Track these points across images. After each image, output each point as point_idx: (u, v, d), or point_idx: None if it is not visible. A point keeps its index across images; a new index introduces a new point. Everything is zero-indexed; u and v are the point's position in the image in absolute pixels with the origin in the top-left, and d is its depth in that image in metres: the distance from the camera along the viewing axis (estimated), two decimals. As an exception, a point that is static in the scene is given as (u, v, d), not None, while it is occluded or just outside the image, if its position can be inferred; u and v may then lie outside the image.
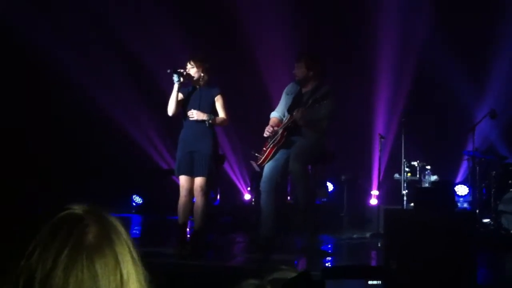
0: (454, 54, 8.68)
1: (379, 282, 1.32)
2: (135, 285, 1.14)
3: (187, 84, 5.92)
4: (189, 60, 5.90)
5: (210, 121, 5.81)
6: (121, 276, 1.11)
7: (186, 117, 5.91)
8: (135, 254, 1.17)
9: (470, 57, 8.77)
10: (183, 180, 5.88)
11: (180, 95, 5.90)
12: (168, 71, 5.75)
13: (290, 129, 5.96)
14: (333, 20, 9.26)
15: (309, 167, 6.09)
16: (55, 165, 9.07)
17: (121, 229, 1.18)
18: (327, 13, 9.25)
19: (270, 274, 1.56)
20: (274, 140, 6.00)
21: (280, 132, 5.99)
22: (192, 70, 5.87)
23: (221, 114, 5.93)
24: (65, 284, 1.05)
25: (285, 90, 6.30)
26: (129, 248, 1.16)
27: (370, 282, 1.32)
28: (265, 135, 6.08)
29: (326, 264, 5.44)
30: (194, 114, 5.81)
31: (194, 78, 5.88)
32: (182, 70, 5.81)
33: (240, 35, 9.32)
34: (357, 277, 1.33)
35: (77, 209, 1.15)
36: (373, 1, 9.14)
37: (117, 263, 1.11)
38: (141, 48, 9.44)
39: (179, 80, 5.75)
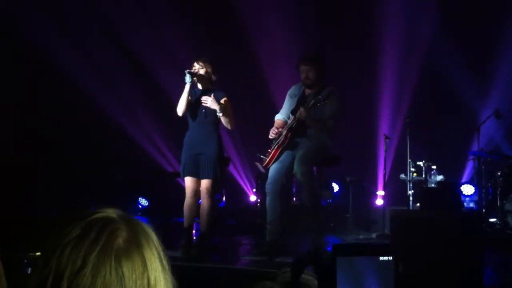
0: (459, 54, 8.66)
1: (390, 258, 1.33)
2: None
3: (194, 86, 5.95)
4: (197, 61, 5.92)
5: (221, 112, 5.80)
6: (149, 281, 1.13)
7: (192, 119, 5.92)
8: (165, 262, 1.19)
9: (475, 57, 8.75)
10: (188, 181, 5.89)
11: (189, 97, 5.91)
12: (186, 71, 5.76)
13: (294, 130, 5.96)
14: (337, 20, 9.25)
15: (314, 168, 6.08)
16: (62, 168, 9.09)
17: (153, 236, 1.20)
18: (331, 14, 9.25)
19: (282, 276, 1.56)
20: (278, 142, 6.00)
21: (284, 133, 5.99)
22: (201, 70, 5.90)
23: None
24: (92, 284, 1.07)
25: (288, 93, 6.30)
26: (159, 255, 1.18)
27: (381, 258, 1.33)
28: (270, 137, 6.08)
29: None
30: (208, 101, 5.80)
31: (204, 79, 5.91)
32: (194, 71, 5.84)
33: (244, 37, 9.33)
34: (368, 254, 1.34)
35: (110, 212, 1.19)
36: (378, 1, 9.12)
37: (145, 268, 1.13)
38: (145, 49, 9.45)
39: (191, 81, 5.78)
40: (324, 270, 1.27)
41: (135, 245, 1.14)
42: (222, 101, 5.89)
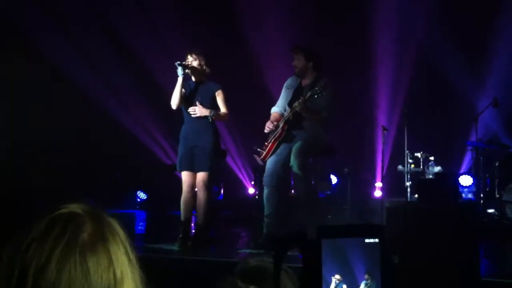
0: (455, 44, 8.63)
1: (376, 240, 1.32)
2: (129, 285, 1.15)
3: (188, 79, 5.94)
4: (190, 53, 5.91)
5: (213, 117, 5.83)
6: (114, 275, 1.13)
7: (187, 112, 5.91)
8: (132, 255, 1.19)
9: (472, 47, 8.72)
10: (185, 175, 5.90)
11: (182, 90, 5.90)
12: (177, 63, 5.75)
13: (291, 123, 5.95)
14: (332, 11, 9.22)
15: (311, 160, 6.08)
16: (60, 162, 9.08)
17: (119, 230, 1.20)
18: (327, 5, 9.22)
19: (238, 266, 1.56)
20: (275, 135, 5.99)
21: (281, 126, 5.98)
22: (194, 62, 5.89)
23: (222, 109, 5.96)
24: (58, 279, 1.07)
25: (285, 84, 6.29)
26: (125, 249, 1.18)
27: (367, 241, 1.32)
28: (266, 130, 6.07)
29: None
30: (197, 110, 5.82)
31: (197, 71, 5.90)
32: (186, 63, 5.83)
33: (240, 29, 9.30)
34: (354, 236, 1.33)
35: (76, 207, 1.18)
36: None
37: (110, 262, 1.13)
38: (142, 45, 9.44)
39: (183, 73, 5.77)
40: (308, 253, 1.26)
41: (100, 240, 1.13)
42: (217, 92, 5.90)
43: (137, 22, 9.41)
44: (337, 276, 1.28)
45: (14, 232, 1.12)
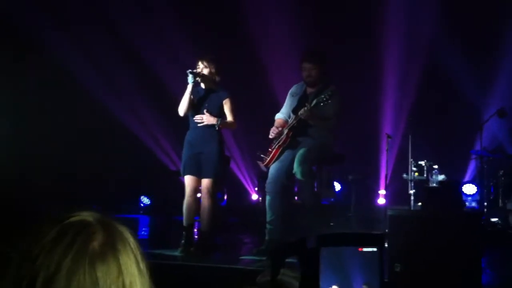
0: (461, 53, 8.63)
1: (375, 249, 1.32)
2: None
3: (197, 85, 5.92)
4: (201, 60, 5.90)
5: (220, 125, 5.82)
6: (124, 285, 1.13)
7: (194, 118, 5.91)
8: (142, 265, 1.18)
9: (478, 56, 8.71)
10: (188, 179, 5.89)
11: (191, 97, 5.90)
12: (188, 71, 5.75)
13: (295, 130, 5.94)
14: (339, 18, 9.23)
15: (314, 167, 6.06)
16: (64, 167, 9.10)
17: (130, 239, 1.19)
18: (334, 11, 9.22)
19: (262, 277, 1.56)
20: (279, 141, 5.98)
21: (285, 132, 5.97)
22: (205, 70, 5.88)
23: (229, 117, 5.94)
24: None
25: (290, 91, 6.28)
26: (135, 259, 1.17)
27: (365, 249, 1.32)
28: (270, 136, 6.06)
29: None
30: (204, 119, 5.81)
31: (207, 79, 5.89)
32: (197, 71, 5.82)
33: (246, 36, 9.31)
34: (353, 244, 1.33)
35: (87, 215, 1.17)
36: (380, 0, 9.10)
37: (120, 272, 1.13)
38: (148, 49, 9.45)
39: (193, 81, 5.76)
40: (307, 261, 1.27)
41: (110, 249, 1.13)
42: (224, 101, 5.90)
43: (145, 26, 9.43)
44: (335, 287, 1.29)
45: (19, 238, 1.12)
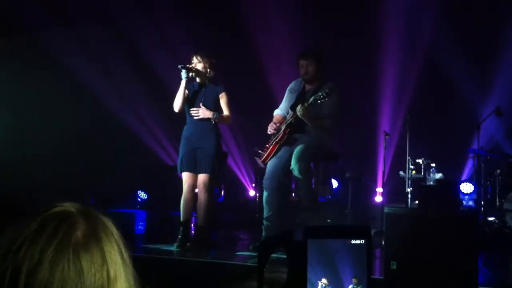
0: (460, 52, 8.63)
1: (362, 241, 1.31)
2: (123, 285, 1.15)
3: (192, 80, 5.93)
4: (195, 55, 5.90)
5: (216, 119, 5.82)
6: (108, 274, 1.12)
7: (190, 114, 5.90)
8: (125, 255, 1.19)
9: (477, 55, 8.72)
10: (186, 176, 5.89)
11: (185, 92, 5.90)
12: (180, 66, 5.74)
13: (292, 126, 5.93)
14: (338, 16, 9.22)
15: (312, 164, 6.06)
16: (61, 162, 9.10)
17: (113, 229, 1.19)
18: (332, 10, 9.22)
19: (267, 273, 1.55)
20: (276, 137, 5.98)
21: (283, 129, 5.97)
22: (199, 65, 5.87)
23: (225, 111, 5.94)
24: (51, 278, 1.06)
25: (288, 88, 6.28)
26: (119, 248, 1.17)
27: (353, 242, 1.31)
28: (268, 132, 6.06)
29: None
30: (200, 112, 5.81)
31: (201, 74, 5.88)
32: (191, 66, 5.81)
33: (244, 32, 9.31)
34: (340, 237, 1.32)
35: (69, 206, 1.17)
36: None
37: (104, 261, 1.12)
38: (146, 45, 9.45)
39: (187, 76, 5.76)
40: (294, 253, 1.26)
41: (94, 239, 1.13)
42: (220, 95, 5.90)
43: (143, 21, 9.42)
44: (324, 280, 1.28)
45: (4, 230, 1.11)
